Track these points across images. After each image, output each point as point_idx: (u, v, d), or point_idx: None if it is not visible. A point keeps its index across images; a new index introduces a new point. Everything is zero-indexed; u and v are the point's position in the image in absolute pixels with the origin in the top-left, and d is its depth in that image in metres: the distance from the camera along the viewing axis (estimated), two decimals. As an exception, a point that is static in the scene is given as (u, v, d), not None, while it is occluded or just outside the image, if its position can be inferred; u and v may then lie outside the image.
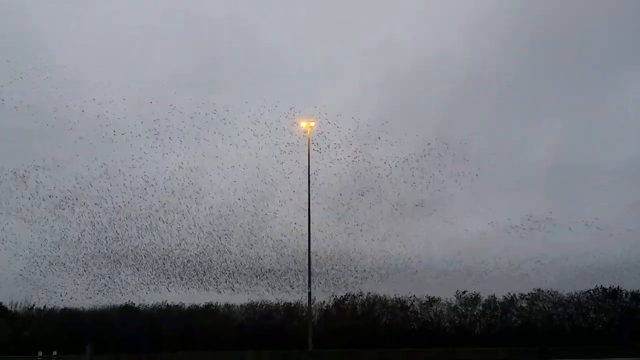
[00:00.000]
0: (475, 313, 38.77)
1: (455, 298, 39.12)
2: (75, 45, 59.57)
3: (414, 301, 39.36)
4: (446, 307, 38.99)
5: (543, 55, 62.84)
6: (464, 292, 38.97)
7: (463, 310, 38.75)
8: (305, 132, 36.80)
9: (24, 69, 37.27)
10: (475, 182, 50.98)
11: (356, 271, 40.52)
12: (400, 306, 39.49)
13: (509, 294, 38.57)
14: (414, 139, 53.84)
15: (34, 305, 43.36)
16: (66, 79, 42.07)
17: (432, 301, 39.29)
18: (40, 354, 34.22)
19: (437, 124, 58.45)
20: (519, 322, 38.10)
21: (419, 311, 39.38)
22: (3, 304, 49.14)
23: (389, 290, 40.06)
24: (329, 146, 40.04)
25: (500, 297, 38.66)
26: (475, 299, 38.78)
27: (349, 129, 40.60)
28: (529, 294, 38.44)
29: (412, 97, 63.06)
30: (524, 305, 38.69)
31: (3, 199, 37.41)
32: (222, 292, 40.78)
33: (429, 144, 41.62)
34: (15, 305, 45.69)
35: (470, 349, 31.04)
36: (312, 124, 36.97)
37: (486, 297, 38.80)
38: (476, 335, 37.58)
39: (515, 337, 35.12)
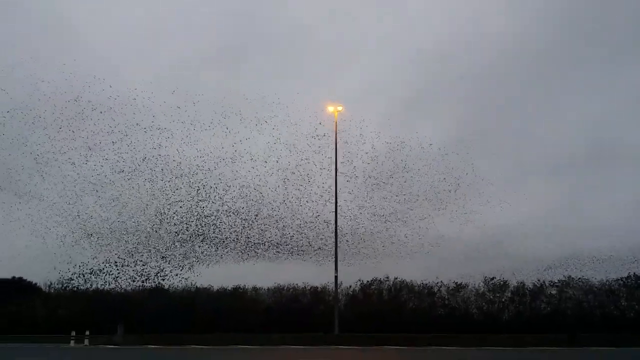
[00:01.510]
0: (503, 300, 38.37)
1: (483, 284, 38.79)
2: (102, 27, 60.40)
3: (441, 287, 39.12)
4: (474, 293, 38.66)
5: (580, 28, 61.31)
6: (492, 279, 38.55)
7: (491, 297, 38.36)
8: (333, 116, 36.74)
9: (51, 50, 37.64)
10: (510, 165, 50.48)
11: (384, 255, 40.57)
12: (427, 292, 39.28)
13: (539, 280, 38.08)
14: (447, 119, 53.48)
15: (67, 285, 44.40)
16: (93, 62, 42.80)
17: (459, 287, 38.96)
18: (73, 333, 35.07)
19: (470, 105, 57.74)
20: (549, 309, 37.55)
21: (446, 297, 39.14)
22: (38, 284, 50.66)
23: (416, 275, 40.07)
24: (360, 128, 39.79)
25: (529, 284, 38.23)
26: (504, 285, 38.32)
27: (381, 110, 40.44)
28: (558, 281, 37.90)
29: (445, 76, 62.23)
30: (554, 292, 38.09)
31: (39, 180, 38.10)
32: (249, 275, 41.26)
33: (462, 125, 41.23)
34: (49, 286, 47.01)
35: (500, 335, 30.83)
36: (340, 108, 36.86)
37: (515, 284, 38.36)
38: (504, 321, 37.19)
39: (545, 324, 34.65)
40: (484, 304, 38.46)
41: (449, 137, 50.69)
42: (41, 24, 57.90)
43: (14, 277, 56.36)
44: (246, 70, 61.83)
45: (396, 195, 41.32)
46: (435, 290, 39.25)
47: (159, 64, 60.58)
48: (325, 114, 37.47)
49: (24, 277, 55.26)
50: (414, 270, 40.20)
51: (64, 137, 38.34)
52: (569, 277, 37.71)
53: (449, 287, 39.15)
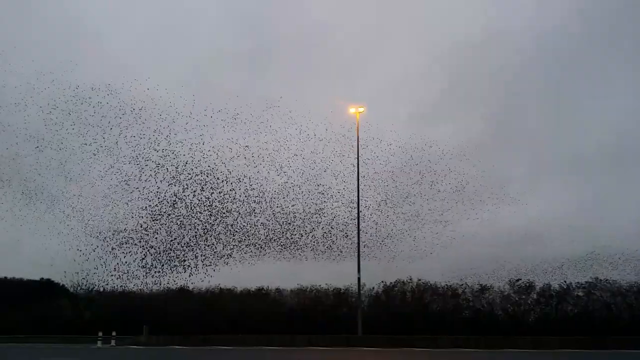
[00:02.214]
0: (529, 301, 37.89)
1: (508, 286, 38.33)
2: (121, 32, 61.32)
3: (465, 289, 38.82)
4: (499, 295, 38.24)
5: (605, 26, 60.29)
6: (517, 280, 38.09)
7: (517, 299, 37.91)
8: (354, 117, 36.70)
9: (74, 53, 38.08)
10: (539, 163, 49.80)
11: (406, 257, 40.37)
12: (452, 293, 38.98)
13: (565, 282, 37.52)
14: (470, 119, 53.04)
15: (94, 287, 45.08)
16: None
17: (484, 289, 38.58)
18: (100, 334, 35.60)
19: (493, 104, 57.18)
20: (575, 311, 36.98)
21: (470, 299, 38.82)
22: (65, 285, 51.52)
23: (439, 276, 39.72)
24: (383, 128, 39.61)
25: (555, 285, 37.68)
26: (530, 287, 37.82)
27: (404, 110, 40.24)
28: (585, 283, 37.26)
29: (467, 75, 61.84)
30: (581, 294, 37.48)
31: (66, 184, 38.69)
32: (272, 276, 41.39)
33: (484, 124, 40.81)
34: (77, 288, 47.77)
35: (526, 337, 30.45)
36: (362, 109, 36.78)
37: (540, 286, 37.85)
38: (530, 324, 36.76)
39: (571, 326, 34.13)
40: (509, 305, 38.03)
41: (472, 136, 50.27)
42: (62, 32, 59.09)
43: (42, 279, 57.51)
44: (268, 72, 62.27)
45: (419, 196, 41.08)
46: (460, 292, 38.94)
47: (180, 67, 61.32)
48: (347, 115, 37.41)
49: (52, 279, 56.36)
50: (437, 272, 39.73)
51: (89, 141, 38.95)
52: (596, 278, 37.06)
53: (473, 289, 38.81)
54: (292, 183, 40.95)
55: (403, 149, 41.05)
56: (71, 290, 49.53)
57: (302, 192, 41.11)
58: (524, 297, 37.91)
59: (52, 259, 38.96)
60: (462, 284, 38.96)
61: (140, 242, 40.11)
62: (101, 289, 44.80)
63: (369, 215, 39.98)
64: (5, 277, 60.94)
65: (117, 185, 39.09)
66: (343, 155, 39.33)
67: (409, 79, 63.25)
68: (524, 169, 55.52)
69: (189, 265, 40.52)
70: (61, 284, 53.77)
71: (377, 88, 60.90)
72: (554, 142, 55.50)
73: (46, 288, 55.27)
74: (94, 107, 37.49)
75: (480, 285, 38.63)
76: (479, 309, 38.46)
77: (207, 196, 40.38)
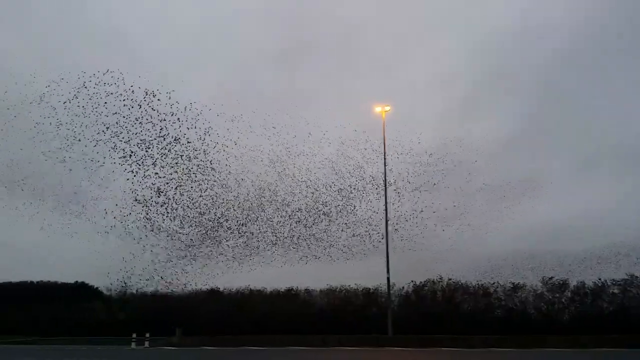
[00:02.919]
0: (563, 300, 37.19)
1: (541, 284, 37.67)
2: (157, 35, 62.31)
3: (497, 287, 38.32)
4: (532, 293, 37.63)
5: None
6: (550, 278, 37.42)
7: (550, 297, 37.25)
8: (382, 114, 36.57)
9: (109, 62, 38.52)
10: (575, 158, 48.74)
11: (436, 256, 39.93)
12: (483, 292, 38.53)
13: (599, 279, 36.72)
14: (504, 114, 52.28)
15: (127, 289, 45.90)
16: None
17: (516, 287, 38.03)
18: (134, 335, 36.20)
19: (535, 98, 56.23)
20: (611, 309, 36.17)
21: (502, 298, 38.30)
22: (99, 288, 52.65)
23: (470, 275, 39.22)
24: (413, 122, 39.20)
25: (590, 283, 36.92)
26: (563, 285, 37.14)
27: (436, 107, 39.77)
28: (621, 280, 36.38)
29: (507, 68, 61.08)
30: (616, 291, 36.64)
31: (100, 186, 39.22)
32: (302, 276, 41.39)
33: (518, 120, 39.91)
34: (110, 290, 48.77)
35: (560, 336, 29.88)
36: (387, 108, 36.66)
37: (575, 284, 37.15)
38: (564, 322, 36.09)
39: (607, 324, 33.38)
40: (542, 304, 37.42)
41: (505, 132, 49.42)
42: (100, 39, 60.32)
43: (76, 282, 58.92)
44: (302, 71, 62.54)
45: (450, 194, 40.47)
46: (491, 290, 38.47)
47: (216, 68, 62.08)
48: (373, 114, 37.24)
49: (86, 282, 57.68)
50: (468, 271, 39.22)
51: (121, 146, 39.45)
52: (632, 275, 36.16)
53: (505, 288, 38.29)
54: (320, 182, 40.83)
55: (435, 146, 40.44)
56: (105, 292, 50.63)
57: (330, 191, 40.99)
58: (557, 295, 37.26)
59: (86, 262, 39.67)
60: (493, 283, 38.57)
61: (172, 244, 40.53)
62: (134, 291, 45.57)
63: (398, 214, 39.59)
64: (41, 281, 62.72)
65: (150, 188, 39.47)
66: (374, 153, 38.92)
67: (442, 74, 62.81)
68: (560, 164, 54.48)
69: (219, 267, 40.79)
70: (95, 287, 55.08)
71: (410, 83, 60.65)
72: (591, 137, 54.43)
73: (81, 291, 56.62)
74: (130, 110, 37.90)
75: (512, 283, 38.16)
76: (511, 308, 37.95)
77: (236, 196, 40.59)
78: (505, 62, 61.20)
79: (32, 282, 63.28)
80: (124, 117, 37.02)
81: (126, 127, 37.38)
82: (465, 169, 40.43)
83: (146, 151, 38.10)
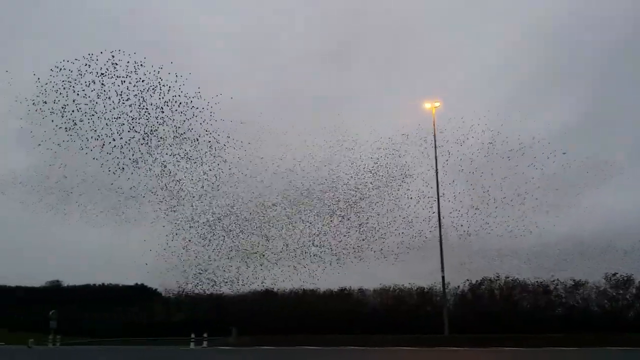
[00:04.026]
0: (628, 296, 35.61)
1: (604, 281, 36.18)
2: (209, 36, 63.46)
3: (557, 285, 37.07)
4: (594, 290, 36.21)
5: None
6: (614, 275, 35.90)
7: (614, 294, 35.73)
8: (432, 111, 36.03)
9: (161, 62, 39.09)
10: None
11: (492, 254, 38.73)
12: (543, 290, 37.37)
13: (667, 275, 34.94)
14: (566, 105, 50.31)
15: (184, 290, 46.94)
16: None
17: (578, 285, 36.69)
18: (192, 335, 36.96)
19: (593, 88, 54.14)
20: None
21: (563, 295, 37.02)
22: (158, 289, 54.16)
23: (528, 273, 37.93)
24: (468, 115, 38.15)
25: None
26: (628, 281, 35.55)
27: (490, 99, 38.58)
28: (691, 275, 34.54)
29: (563, 59, 59.12)
30: (685, 287, 34.81)
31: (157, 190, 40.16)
32: (354, 276, 41.11)
33: (583, 108, 37.91)
34: (169, 292, 50.07)
35: (624, 334, 28.58)
36: (437, 104, 36.12)
37: (640, 280, 35.47)
38: (629, 320, 34.52)
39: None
40: (606, 301, 35.92)
41: (566, 121, 47.28)
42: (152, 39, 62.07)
43: (136, 284, 60.84)
44: (352, 68, 62.47)
45: (506, 189, 39.06)
46: (551, 288, 37.27)
47: (266, 67, 62.87)
48: (424, 110, 36.67)
49: (146, 284, 59.45)
50: (525, 268, 37.87)
51: (176, 150, 40.29)
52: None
53: (566, 285, 37.00)
54: (370, 180, 40.41)
55: (490, 140, 39.05)
56: (164, 294, 52.02)
57: (381, 188, 40.52)
58: (621, 292, 35.73)
59: (146, 265, 40.62)
60: (553, 280, 37.35)
61: (228, 244, 41.10)
62: (191, 292, 46.55)
63: (451, 211, 38.64)
64: (103, 284, 65.15)
65: (204, 188, 40.19)
66: (427, 147, 38.18)
67: (498, 64, 61.32)
68: (624, 153, 51.91)
69: (273, 267, 41.06)
70: (154, 289, 56.68)
71: (464, 76, 59.59)
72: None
73: (140, 292, 58.43)
74: (182, 114, 38.74)
75: (574, 280, 36.85)
76: (572, 306, 36.70)
77: (288, 196, 40.79)
78: (560, 52, 59.08)
79: (94, 285, 65.92)
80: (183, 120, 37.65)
81: (189, 131, 37.99)
82: (521, 162, 38.97)
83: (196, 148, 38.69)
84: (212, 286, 41.70)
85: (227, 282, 40.90)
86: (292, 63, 61.29)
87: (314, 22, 67.57)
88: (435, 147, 35.54)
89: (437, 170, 35.25)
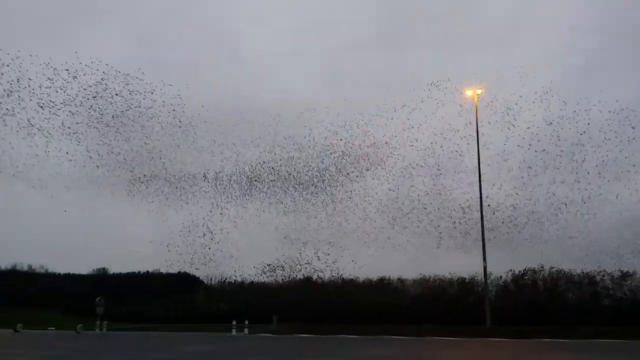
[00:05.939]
0: (679, 289, 34.29)
1: (653, 272, 34.88)
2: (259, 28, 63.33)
3: (604, 276, 35.99)
4: (643, 282, 35.01)
5: None
6: (664, 266, 34.62)
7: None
8: (474, 98, 35.41)
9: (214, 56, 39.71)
10: None
11: (538, 243, 37.64)
12: (589, 281, 36.36)
13: None
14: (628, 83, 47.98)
15: (226, 279, 47.80)
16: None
17: (625, 275, 35.53)
18: (234, 322, 37.52)
19: None
20: None
21: (610, 286, 35.92)
22: (200, 277, 55.31)
23: (573, 264, 36.85)
24: (520, 99, 37.30)
25: None
26: (679, 273, 34.22)
27: (545, 82, 37.32)
28: None
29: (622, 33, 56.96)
30: None
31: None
32: (394, 265, 41.02)
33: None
34: (211, 280, 51.07)
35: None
36: (479, 91, 35.47)
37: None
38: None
39: None
40: (655, 293, 34.68)
41: (624, 103, 44.66)
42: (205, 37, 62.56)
43: (179, 272, 62.09)
44: (404, 53, 61.79)
45: (550, 176, 37.83)
46: (598, 279, 36.23)
47: (317, 55, 62.75)
48: (467, 98, 35.99)
49: (188, 272, 60.65)
50: (571, 258, 36.73)
51: (219, 140, 40.80)
52: None
53: (613, 276, 35.87)
54: (414, 168, 39.99)
55: (540, 125, 37.83)
56: (206, 282, 53.05)
57: (423, 176, 40.05)
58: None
59: (188, 253, 41.39)
60: (600, 271, 36.23)
61: (268, 232, 41.55)
62: (233, 281, 47.36)
63: (495, 200, 37.69)
64: (148, 271, 66.85)
65: (253, 180, 40.74)
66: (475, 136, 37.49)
67: (552, 49, 59.48)
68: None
69: (313, 257, 41.29)
70: (197, 277, 57.84)
71: (519, 58, 58.07)
72: None
73: (183, 281, 59.73)
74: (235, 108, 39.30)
75: (621, 271, 35.64)
76: (620, 297, 35.54)
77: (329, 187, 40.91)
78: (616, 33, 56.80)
79: (139, 272, 67.80)
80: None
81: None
82: (571, 150, 37.64)
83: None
84: (254, 274, 42.35)
85: (268, 269, 41.41)
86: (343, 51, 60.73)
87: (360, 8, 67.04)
88: (478, 135, 34.91)
89: (479, 158, 34.60)
